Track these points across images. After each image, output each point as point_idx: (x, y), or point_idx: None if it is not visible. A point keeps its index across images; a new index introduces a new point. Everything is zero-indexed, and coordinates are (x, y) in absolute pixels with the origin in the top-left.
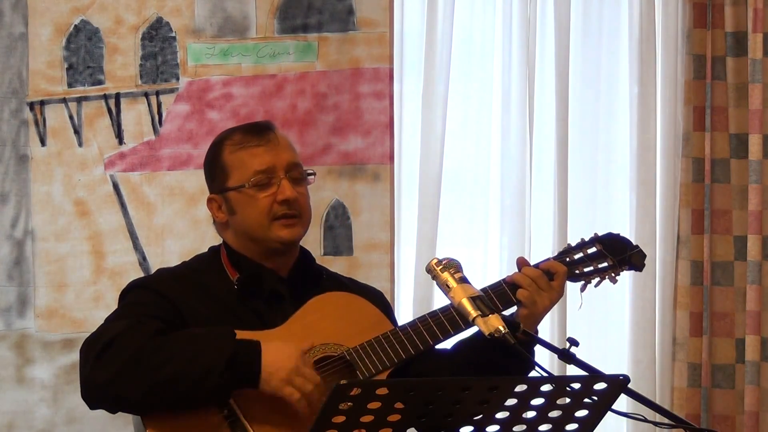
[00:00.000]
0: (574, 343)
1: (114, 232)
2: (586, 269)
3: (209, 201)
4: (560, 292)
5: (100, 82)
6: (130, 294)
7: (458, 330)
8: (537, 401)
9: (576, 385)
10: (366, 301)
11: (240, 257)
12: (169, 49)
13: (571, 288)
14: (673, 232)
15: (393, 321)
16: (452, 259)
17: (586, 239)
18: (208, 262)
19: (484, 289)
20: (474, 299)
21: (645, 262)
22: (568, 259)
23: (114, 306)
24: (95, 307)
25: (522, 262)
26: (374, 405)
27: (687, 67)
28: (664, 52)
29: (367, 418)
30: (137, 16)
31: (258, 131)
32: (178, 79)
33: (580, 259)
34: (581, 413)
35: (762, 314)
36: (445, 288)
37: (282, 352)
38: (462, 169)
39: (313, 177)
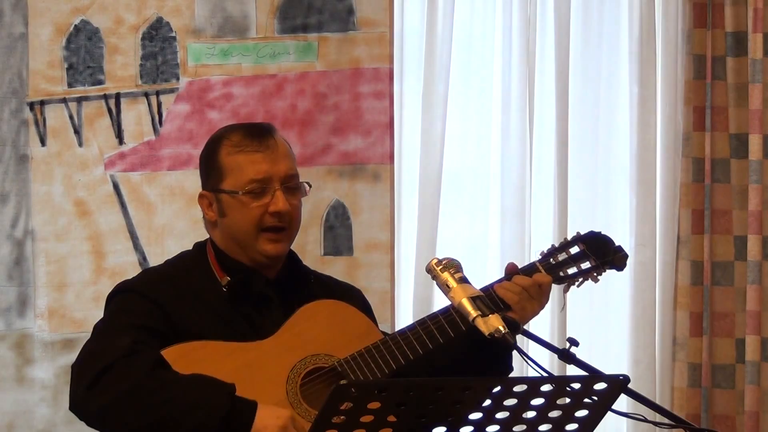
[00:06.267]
0: (574, 343)
1: (114, 232)
2: (569, 271)
3: (201, 197)
4: (547, 298)
5: (100, 82)
6: (118, 298)
7: (445, 337)
8: (537, 401)
9: (576, 385)
10: (355, 310)
11: (227, 259)
12: (169, 49)
13: (556, 289)
14: (673, 232)
15: (373, 319)
16: (452, 259)
17: (569, 238)
18: (194, 261)
19: None
20: (474, 299)
21: (627, 262)
22: (552, 261)
23: None
24: (95, 307)
25: (512, 269)
26: (374, 405)
27: (687, 67)
28: (664, 52)
29: (367, 418)
30: (137, 16)
31: (258, 135)
32: (178, 79)
33: (563, 261)
34: (581, 413)
35: (762, 314)
36: (445, 288)
37: (273, 413)
38: (462, 169)
39: (308, 188)
